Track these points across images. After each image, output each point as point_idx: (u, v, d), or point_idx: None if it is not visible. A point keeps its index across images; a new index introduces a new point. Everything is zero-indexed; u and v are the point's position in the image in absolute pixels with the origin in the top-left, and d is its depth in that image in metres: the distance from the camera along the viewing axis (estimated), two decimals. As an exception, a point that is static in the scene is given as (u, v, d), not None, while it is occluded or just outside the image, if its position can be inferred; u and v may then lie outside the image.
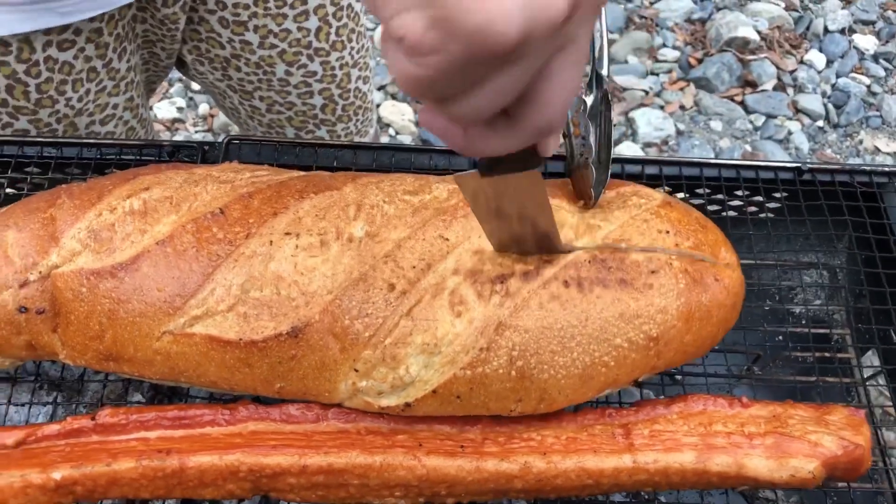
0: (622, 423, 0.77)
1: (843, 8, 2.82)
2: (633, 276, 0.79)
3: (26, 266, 0.78)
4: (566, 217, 0.82)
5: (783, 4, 2.82)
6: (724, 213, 1.01)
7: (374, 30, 2.71)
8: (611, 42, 2.70)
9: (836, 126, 2.55)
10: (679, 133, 2.49)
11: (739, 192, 1.01)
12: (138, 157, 0.96)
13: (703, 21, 2.78)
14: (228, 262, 0.77)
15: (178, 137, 2.42)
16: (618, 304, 0.78)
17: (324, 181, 0.84)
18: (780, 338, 1.06)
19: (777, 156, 2.43)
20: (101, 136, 1.10)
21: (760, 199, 1.01)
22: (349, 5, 1.20)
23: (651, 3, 2.84)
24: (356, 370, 0.76)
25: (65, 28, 0.98)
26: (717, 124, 2.52)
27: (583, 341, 0.77)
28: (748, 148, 2.49)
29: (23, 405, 0.87)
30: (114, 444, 0.73)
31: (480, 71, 0.45)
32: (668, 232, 0.81)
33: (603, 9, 0.85)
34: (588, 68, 0.87)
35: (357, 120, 1.37)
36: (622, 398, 0.87)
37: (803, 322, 1.08)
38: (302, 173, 0.86)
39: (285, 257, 0.77)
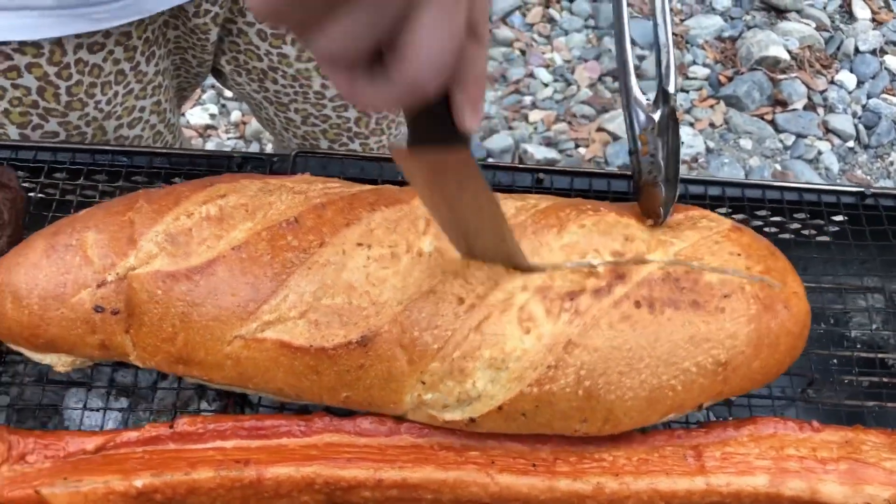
0: (692, 445, 0.77)
1: (874, 29, 2.82)
2: (706, 298, 0.79)
3: (105, 266, 0.79)
4: (637, 233, 0.82)
5: (814, 24, 2.83)
6: (780, 236, 1.01)
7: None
8: (641, 58, 2.71)
9: (866, 147, 2.54)
10: (709, 151, 2.49)
11: (800, 216, 1.01)
12: (207, 169, 0.97)
13: (733, 39, 2.78)
14: (302, 269, 0.77)
15: (210, 145, 2.43)
16: (688, 327, 0.78)
17: (393, 194, 0.84)
18: (835, 361, 1.05)
19: (806, 176, 2.42)
20: (130, 140, 1.11)
21: (820, 222, 1.01)
22: None
23: (681, 21, 2.85)
24: (423, 382, 0.76)
25: (94, 31, 0.99)
26: (746, 143, 2.52)
27: (651, 363, 0.77)
28: (778, 167, 2.49)
29: (96, 410, 0.87)
30: (191, 452, 0.73)
31: None
32: (739, 255, 0.81)
33: (669, 26, 0.86)
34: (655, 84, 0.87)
35: (390, 134, 1.38)
36: (687, 418, 0.87)
37: (858, 346, 1.07)
38: (372, 186, 0.86)
39: (357, 267, 0.77)
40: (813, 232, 1.03)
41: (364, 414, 0.79)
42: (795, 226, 1.03)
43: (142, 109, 1.11)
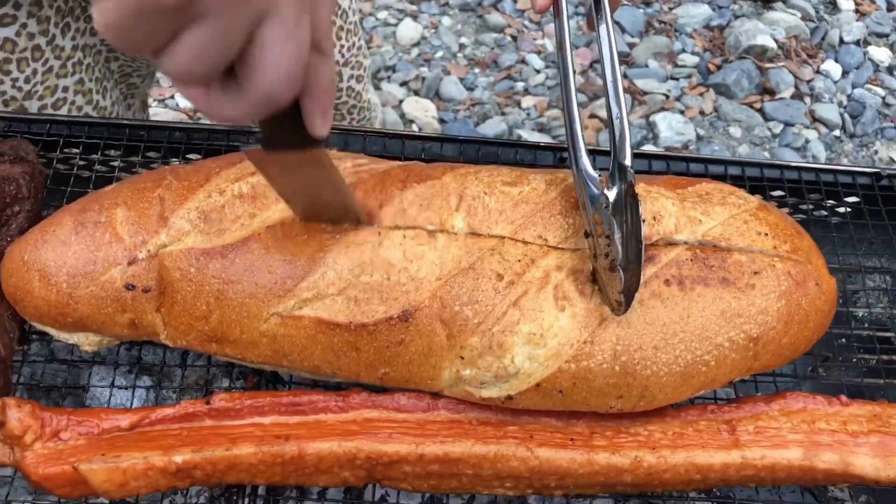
0: (726, 420, 0.78)
1: (857, 20, 2.85)
2: (736, 275, 0.79)
3: (135, 244, 0.78)
4: (666, 205, 0.82)
5: (799, 14, 2.86)
6: (794, 216, 1.02)
7: (396, 25, 2.71)
8: (631, 45, 2.72)
9: (852, 136, 2.58)
10: (699, 138, 2.51)
11: (815, 196, 1.02)
12: (226, 144, 0.96)
13: (721, 28, 2.80)
14: (339, 246, 0.77)
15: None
16: (719, 303, 0.78)
17: (423, 171, 0.84)
18: (844, 340, 1.07)
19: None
20: None
21: (832, 202, 1.02)
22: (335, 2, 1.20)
23: (670, 9, 2.86)
24: (462, 357, 0.76)
25: (3, 2, 0.95)
26: (735, 130, 2.55)
27: (685, 338, 0.77)
28: (766, 155, 2.51)
29: (121, 388, 0.86)
30: (228, 428, 0.73)
31: (161, 21, 0.47)
32: (766, 234, 0.82)
33: (621, 96, 0.81)
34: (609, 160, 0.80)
35: (352, 119, 1.38)
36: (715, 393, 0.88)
37: (866, 325, 1.09)
38: (400, 163, 0.86)
39: (394, 244, 0.77)
40: (824, 213, 1.04)
41: (400, 390, 0.79)
42: (806, 206, 1.04)
43: (65, 89, 1.08)
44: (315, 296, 0.76)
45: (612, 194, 0.77)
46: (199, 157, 0.98)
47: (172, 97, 2.48)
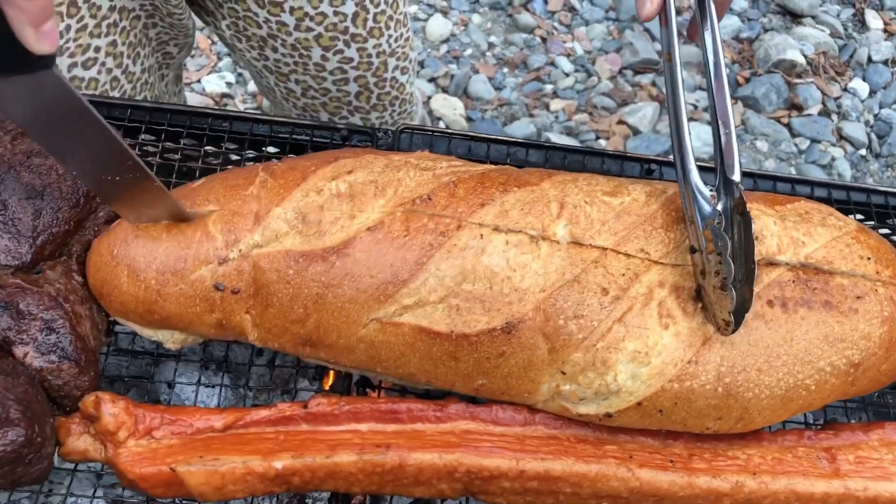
0: (824, 447, 0.77)
1: (885, 39, 2.85)
2: (839, 299, 0.78)
3: (227, 243, 0.75)
4: (768, 223, 0.80)
5: (828, 31, 2.85)
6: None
7: (426, 20, 2.69)
8: (661, 53, 2.70)
9: (878, 156, 2.58)
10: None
11: (891, 221, 1.01)
12: (310, 138, 0.93)
13: (750, 40, 2.79)
14: (441, 252, 0.75)
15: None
16: (822, 327, 0.77)
17: (521, 176, 0.82)
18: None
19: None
20: (86, 82, 1.05)
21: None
22: None
23: (688, 25, 2.85)
24: (563, 372, 0.75)
25: None
26: (762, 144, 2.54)
27: (788, 361, 0.76)
28: (793, 171, 2.50)
29: (206, 386, 0.84)
30: (326, 434, 0.71)
31: None
32: (869, 258, 0.81)
33: (729, 107, 0.78)
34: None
35: (393, 111, 1.36)
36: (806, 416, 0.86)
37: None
38: (497, 167, 0.84)
39: (497, 252, 0.75)
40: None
41: (496, 402, 0.77)
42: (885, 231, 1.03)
43: (96, 49, 1.04)
44: (416, 303, 0.74)
45: (720, 207, 0.75)
46: (235, 146, 0.96)
47: (199, 81, 2.44)
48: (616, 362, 0.74)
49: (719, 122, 0.80)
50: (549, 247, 0.76)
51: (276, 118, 0.95)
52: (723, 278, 0.72)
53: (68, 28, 1.00)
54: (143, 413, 0.71)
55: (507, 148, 0.95)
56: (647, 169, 0.96)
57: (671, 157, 0.96)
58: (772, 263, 0.79)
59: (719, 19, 0.84)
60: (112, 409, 0.69)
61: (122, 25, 1.07)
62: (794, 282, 0.78)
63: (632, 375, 0.74)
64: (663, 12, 0.83)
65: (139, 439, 0.70)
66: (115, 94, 1.10)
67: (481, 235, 0.76)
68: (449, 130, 0.95)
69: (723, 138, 0.79)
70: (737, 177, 0.77)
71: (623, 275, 0.76)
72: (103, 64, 1.06)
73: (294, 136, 0.94)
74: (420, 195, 0.77)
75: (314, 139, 0.94)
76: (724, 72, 0.82)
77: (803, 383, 0.77)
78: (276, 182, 0.78)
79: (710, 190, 0.76)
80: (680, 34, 0.83)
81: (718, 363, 0.75)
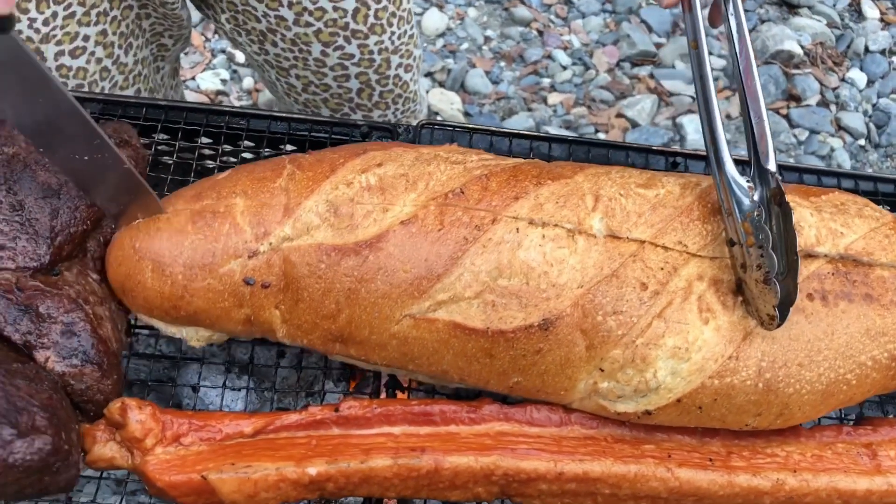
0: (864, 443, 0.75)
1: (882, 29, 2.85)
2: (880, 292, 0.76)
3: (257, 236, 0.73)
4: (804, 214, 0.78)
5: (825, 21, 2.84)
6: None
7: (421, 14, 2.66)
8: (658, 45, 2.69)
9: (876, 146, 2.57)
10: (727, 142, 2.49)
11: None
12: (329, 136, 0.91)
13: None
14: (476, 246, 0.72)
15: (222, 108, 2.34)
16: (863, 320, 0.75)
17: (554, 169, 0.80)
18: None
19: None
20: (74, 71, 1.02)
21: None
22: None
23: (710, 10, 2.83)
24: (601, 369, 0.73)
25: None
26: (762, 136, 2.52)
27: (829, 356, 0.74)
28: (792, 162, 2.49)
29: (233, 389, 0.81)
30: (359, 438, 0.69)
31: None
32: (909, 249, 0.79)
33: (760, 96, 0.76)
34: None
35: (396, 109, 1.34)
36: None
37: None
38: (529, 160, 0.82)
39: (533, 246, 0.73)
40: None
41: (531, 402, 0.75)
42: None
43: (85, 38, 1.01)
44: (451, 298, 0.72)
45: (755, 197, 0.73)
46: (252, 144, 0.94)
47: (193, 78, 2.41)
48: (656, 358, 0.72)
49: (750, 110, 0.78)
50: (585, 241, 0.74)
51: (294, 115, 0.92)
52: (765, 272, 0.70)
53: (55, 15, 0.96)
54: (171, 419, 0.68)
55: (530, 142, 0.93)
56: (672, 162, 0.94)
57: (696, 149, 0.94)
58: (810, 255, 0.77)
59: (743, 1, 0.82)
60: (139, 416, 0.66)
61: (113, 14, 1.04)
62: (833, 274, 0.76)
63: (672, 372, 0.72)
64: None
65: (167, 446, 0.67)
66: (106, 84, 1.06)
67: (517, 229, 0.73)
68: (470, 125, 0.92)
69: (755, 127, 0.77)
70: (772, 166, 0.75)
71: (661, 269, 0.73)
72: (92, 53, 1.03)
73: (313, 134, 0.91)
74: (452, 189, 0.75)
75: (333, 136, 0.91)
76: (753, 58, 0.79)
77: (844, 378, 0.75)
78: (304, 174, 0.76)
79: (747, 181, 0.74)
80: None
81: (759, 358, 0.73)
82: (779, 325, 0.71)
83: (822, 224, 0.78)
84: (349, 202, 0.74)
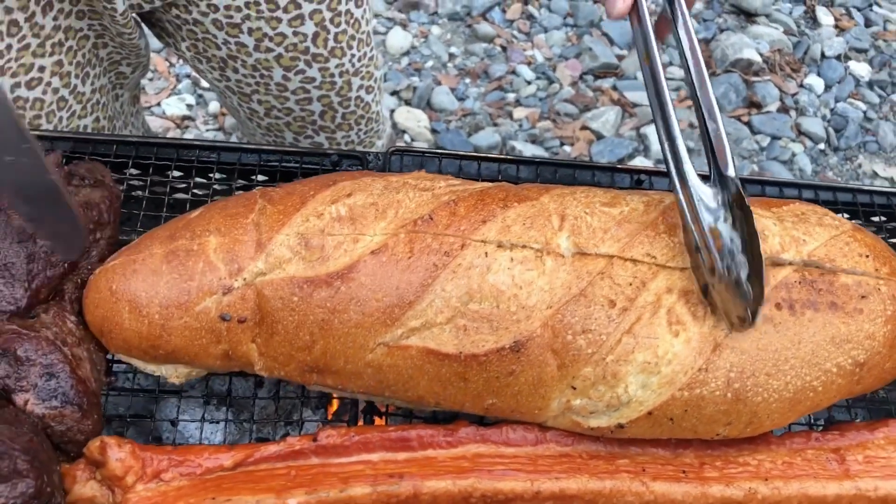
0: (832, 448, 0.77)
1: (837, 35, 2.91)
2: (844, 299, 0.79)
3: (231, 272, 0.74)
4: (767, 224, 0.80)
5: (782, 29, 2.90)
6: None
7: (385, 34, 2.68)
8: (619, 57, 2.73)
9: (836, 149, 2.63)
10: (689, 150, 2.53)
11: (875, 219, 1.03)
12: (300, 165, 0.92)
13: (706, 41, 2.83)
14: (446, 272, 0.74)
15: (189, 135, 2.34)
16: (829, 328, 0.77)
17: (520, 191, 0.81)
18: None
19: (783, 177, 2.49)
20: (30, 102, 1.03)
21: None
22: (348, 11, 1.18)
23: (656, 21, 2.88)
24: (573, 387, 0.74)
25: None
26: (725, 143, 2.57)
27: (796, 364, 0.76)
28: (755, 168, 2.54)
29: (212, 422, 0.82)
30: (338, 466, 0.70)
31: None
32: (867, 256, 0.81)
33: (714, 104, 0.76)
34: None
35: (359, 129, 1.36)
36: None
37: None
38: (495, 184, 0.83)
39: (502, 269, 0.75)
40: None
41: (506, 422, 0.76)
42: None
43: (41, 69, 1.02)
44: (423, 325, 0.73)
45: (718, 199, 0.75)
46: (223, 176, 0.94)
47: (158, 104, 2.41)
48: (626, 374, 0.74)
49: (706, 117, 0.78)
50: (553, 261, 0.76)
51: (264, 147, 0.93)
52: (735, 275, 0.72)
53: (9, 47, 0.97)
54: (151, 456, 0.69)
55: (498, 165, 0.95)
56: (636, 179, 0.96)
57: (660, 167, 0.96)
58: (777, 263, 0.79)
59: (689, 8, 0.82)
60: (118, 454, 0.67)
61: (69, 45, 1.04)
62: (800, 283, 0.78)
63: (642, 385, 0.74)
64: (635, 10, 0.79)
65: (147, 483, 0.68)
66: (63, 114, 1.07)
67: (486, 253, 0.75)
68: (439, 150, 0.95)
69: (711, 134, 0.78)
70: (731, 171, 0.77)
71: (630, 284, 0.75)
72: (49, 84, 1.04)
73: (283, 164, 0.92)
74: (421, 216, 0.76)
75: (304, 166, 0.93)
76: (704, 69, 0.80)
77: (811, 385, 0.77)
78: (275, 208, 0.77)
79: (709, 186, 0.76)
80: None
81: (728, 369, 0.75)
82: (749, 327, 0.73)
83: (784, 233, 0.81)
84: (320, 234, 0.75)
